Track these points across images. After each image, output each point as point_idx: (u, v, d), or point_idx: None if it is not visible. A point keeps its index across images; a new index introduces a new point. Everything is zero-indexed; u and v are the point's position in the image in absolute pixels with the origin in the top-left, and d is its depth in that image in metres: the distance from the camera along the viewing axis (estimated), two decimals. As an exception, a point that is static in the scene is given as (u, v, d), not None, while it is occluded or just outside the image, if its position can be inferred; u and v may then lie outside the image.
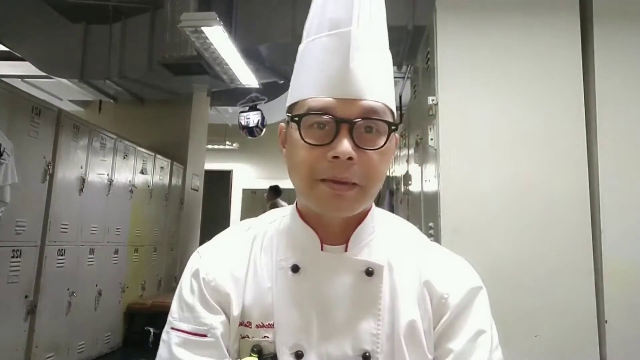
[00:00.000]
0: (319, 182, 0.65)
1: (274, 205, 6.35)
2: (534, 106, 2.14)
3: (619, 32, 2.15)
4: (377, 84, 0.66)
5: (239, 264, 0.73)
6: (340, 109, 0.63)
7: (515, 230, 2.07)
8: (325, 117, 0.64)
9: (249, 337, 0.70)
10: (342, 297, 0.69)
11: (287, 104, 0.71)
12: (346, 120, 0.63)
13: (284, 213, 0.79)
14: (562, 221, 2.05)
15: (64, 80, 4.67)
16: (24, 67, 4.87)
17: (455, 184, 2.11)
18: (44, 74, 4.66)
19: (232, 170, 8.95)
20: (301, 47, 0.71)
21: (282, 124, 0.73)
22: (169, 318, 0.72)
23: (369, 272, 0.70)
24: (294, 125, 0.66)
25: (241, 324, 0.70)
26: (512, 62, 2.17)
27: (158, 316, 4.36)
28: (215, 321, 0.69)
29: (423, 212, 2.56)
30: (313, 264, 0.71)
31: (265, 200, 6.72)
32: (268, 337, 0.69)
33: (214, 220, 6.49)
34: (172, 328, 0.71)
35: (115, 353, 4.15)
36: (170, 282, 5.37)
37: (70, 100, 5.84)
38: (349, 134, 0.63)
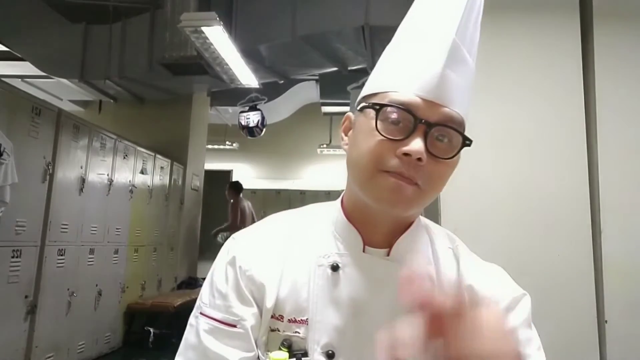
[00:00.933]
0: (382, 172, 0.63)
1: (236, 204, 5.96)
2: (533, 106, 2.13)
3: (619, 32, 2.15)
4: (463, 96, 0.66)
5: (276, 256, 0.72)
6: (422, 109, 0.63)
7: (515, 230, 2.06)
8: (405, 113, 0.63)
9: (279, 331, 0.68)
10: (379, 301, 0.68)
11: (364, 93, 0.70)
12: (425, 122, 0.62)
13: (327, 208, 0.77)
14: (562, 221, 2.05)
15: (64, 80, 4.67)
16: (24, 67, 4.87)
17: (455, 183, 2.10)
18: (44, 74, 4.67)
19: (232, 170, 8.96)
20: (395, 42, 0.71)
21: (350, 113, 0.73)
22: (199, 302, 0.71)
23: None
24: (370, 113, 0.65)
25: (273, 316, 0.69)
26: (512, 62, 2.17)
27: (158, 316, 4.37)
28: (247, 313, 0.68)
29: (423, 212, 2.55)
30: (353, 265, 0.70)
31: (226, 196, 6.13)
32: (299, 333, 0.68)
33: (214, 220, 6.48)
34: (202, 313, 0.70)
35: (115, 353, 4.15)
36: (170, 282, 5.37)
37: (70, 100, 5.85)
38: (424, 136, 0.62)
